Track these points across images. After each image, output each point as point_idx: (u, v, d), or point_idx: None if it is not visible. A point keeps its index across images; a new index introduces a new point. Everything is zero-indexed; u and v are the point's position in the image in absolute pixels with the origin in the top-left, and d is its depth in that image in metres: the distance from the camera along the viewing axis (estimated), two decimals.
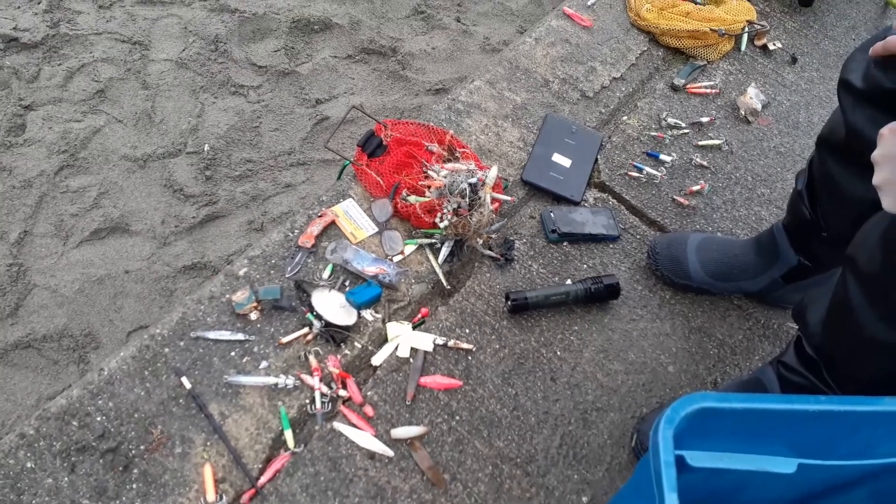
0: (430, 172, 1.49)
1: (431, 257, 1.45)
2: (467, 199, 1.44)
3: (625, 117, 1.79)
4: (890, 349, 0.94)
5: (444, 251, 1.46)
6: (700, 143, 1.75)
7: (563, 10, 1.99)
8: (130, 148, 2.08)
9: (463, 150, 1.57)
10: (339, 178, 1.59)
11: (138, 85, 2.23)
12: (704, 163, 1.71)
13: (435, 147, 1.55)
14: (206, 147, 2.09)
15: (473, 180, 1.45)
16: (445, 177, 1.46)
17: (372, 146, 1.56)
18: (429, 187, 1.47)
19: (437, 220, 1.43)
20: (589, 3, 2.02)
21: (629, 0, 2.02)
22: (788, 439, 0.86)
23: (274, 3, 2.49)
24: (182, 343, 1.26)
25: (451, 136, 1.59)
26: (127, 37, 2.35)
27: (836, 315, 1.03)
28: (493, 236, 1.49)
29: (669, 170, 1.69)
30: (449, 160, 1.55)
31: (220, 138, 2.11)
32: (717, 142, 1.76)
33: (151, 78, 2.26)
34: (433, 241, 1.46)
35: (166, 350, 1.25)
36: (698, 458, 0.83)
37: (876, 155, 0.83)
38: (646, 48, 1.96)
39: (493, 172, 1.47)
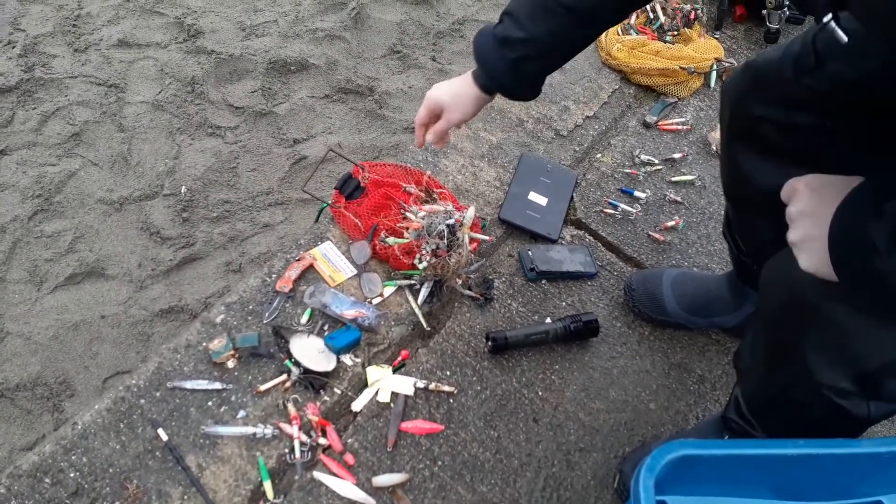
0: (408, 214, 1.50)
1: (411, 299, 1.45)
2: (445, 240, 1.45)
3: (599, 155, 1.82)
4: (793, 393, 0.95)
5: (424, 292, 1.46)
6: (673, 178, 1.78)
7: None
8: (106, 191, 2.06)
9: (440, 190, 1.58)
10: (316, 220, 1.59)
11: (114, 128, 2.22)
12: (678, 198, 1.74)
13: (412, 188, 1.56)
14: (184, 189, 2.08)
15: (451, 221, 1.46)
16: (423, 218, 1.47)
17: (349, 188, 1.56)
18: (407, 228, 1.47)
19: (416, 261, 1.43)
20: None
21: (600, 40, 2.06)
22: (770, 481, 0.87)
23: (250, 45, 2.51)
24: (158, 393, 1.24)
25: (429, 177, 1.60)
26: (102, 80, 2.35)
27: (752, 360, 1.05)
28: (473, 276, 1.49)
29: (644, 206, 1.71)
30: (427, 201, 1.56)
31: (197, 180, 2.11)
32: (690, 177, 1.79)
33: (127, 120, 2.25)
34: (412, 282, 1.46)
35: (142, 401, 1.22)
36: None
37: (791, 211, 0.81)
38: (617, 86, 2.00)
39: (470, 212, 1.48)
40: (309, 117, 2.33)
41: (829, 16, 0.76)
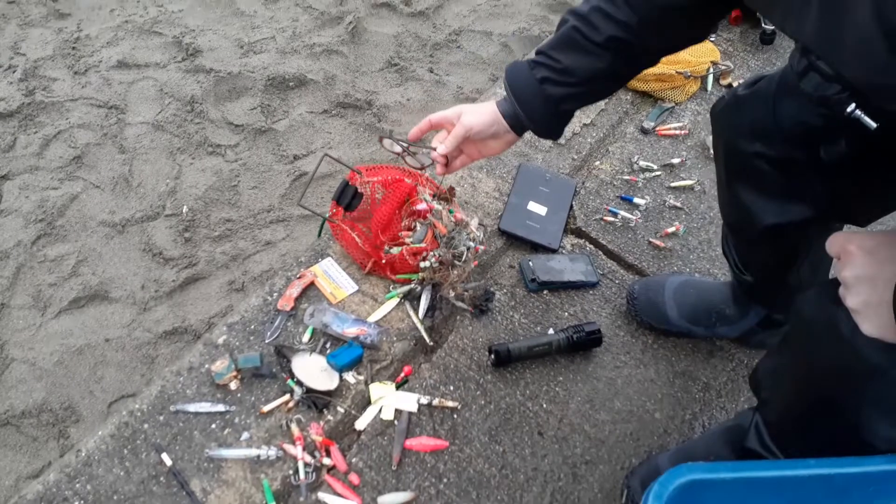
0: (424, 197, 1.47)
1: (412, 313, 1.45)
2: (462, 258, 1.43)
3: (597, 162, 1.82)
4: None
5: (424, 303, 1.45)
6: (672, 184, 1.78)
7: None
8: (108, 213, 2.07)
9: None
10: (318, 235, 1.59)
11: (115, 149, 2.24)
12: (678, 204, 1.73)
13: (426, 196, 1.52)
14: (185, 209, 2.09)
15: (471, 245, 1.44)
16: (452, 227, 1.46)
17: (347, 197, 1.50)
18: (413, 229, 1.46)
19: (421, 259, 1.42)
20: None
21: None
22: (780, 497, 0.85)
23: (249, 62, 2.52)
24: (162, 417, 1.24)
25: (427, 179, 1.58)
26: (103, 101, 2.36)
27: (782, 398, 1.03)
28: (469, 291, 1.48)
29: (644, 213, 1.71)
30: (446, 198, 1.54)
31: (198, 199, 2.12)
32: (689, 182, 1.78)
33: (128, 142, 2.27)
34: (412, 285, 1.45)
35: (146, 426, 1.22)
36: None
37: (847, 276, 0.77)
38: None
39: (474, 222, 1.48)
40: (308, 133, 2.33)
41: (853, 105, 0.82)
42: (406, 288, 1.47)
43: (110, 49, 2.55)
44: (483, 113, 1.18)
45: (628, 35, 1.05)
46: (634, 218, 1.68)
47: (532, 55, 1.15)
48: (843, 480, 0.81)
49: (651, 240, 1.65)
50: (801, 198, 1.05)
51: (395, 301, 1.46)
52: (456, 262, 1.44)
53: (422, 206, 1.48)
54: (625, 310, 1.53)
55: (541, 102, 1.12)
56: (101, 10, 2.70)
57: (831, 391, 0.88)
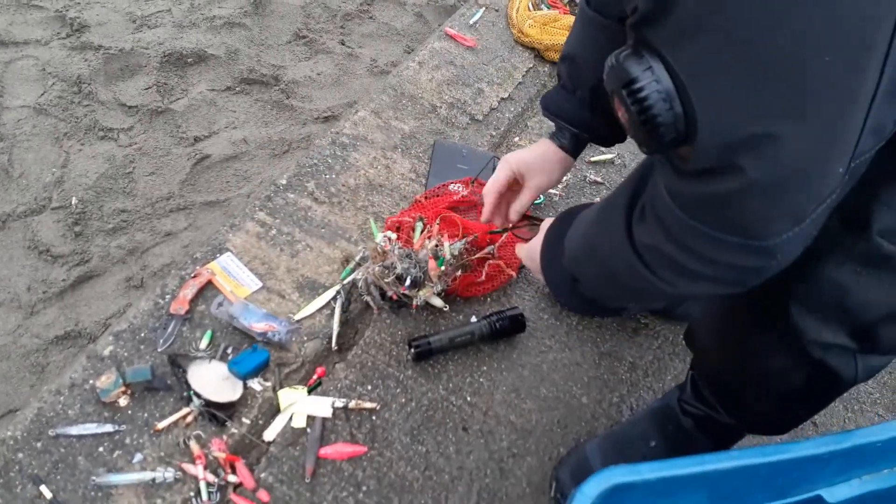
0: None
1: (338, 310, 1.33)
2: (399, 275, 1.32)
3: (516, 138, 1.74)
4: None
5: (339, 304, 1.35)
6: (592, 158, 1.72)
7: (446, 31, 1.92)
8: None
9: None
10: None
11: None
12: (599, 178, 1.68)
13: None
14: (74, 200, 1.90)
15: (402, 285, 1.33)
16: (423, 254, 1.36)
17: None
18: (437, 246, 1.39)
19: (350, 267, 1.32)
20: (471, 23, 1.96)
21: (511, 17, 1.97)
22: (707, 489, 0.82)
23: (142, 38, 2.31)
24: (39, 444, 1.10)
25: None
26: None
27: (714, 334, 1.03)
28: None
29: (564, 189, 1.65)
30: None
31: (89, 189, 1.93)
32: (609, 156, 1.73)
33: (7, 128, 2.04)
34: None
35: (20, 455, 1.08)
36: None
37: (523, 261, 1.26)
38: (532, 65, 1.92)
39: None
40: (210, 112, 2.17)
41: None
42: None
43: None
44: (550, 171, 1.19)
45: None
46: (557, 193, 1.62)
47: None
48: (767, 468, 0.78)
49: None
50: None
51: (329, 294, 1.35)
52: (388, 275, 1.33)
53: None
54: (548, 292, 1.47)
55: (594, 117, 1.12)
56: None
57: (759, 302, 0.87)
